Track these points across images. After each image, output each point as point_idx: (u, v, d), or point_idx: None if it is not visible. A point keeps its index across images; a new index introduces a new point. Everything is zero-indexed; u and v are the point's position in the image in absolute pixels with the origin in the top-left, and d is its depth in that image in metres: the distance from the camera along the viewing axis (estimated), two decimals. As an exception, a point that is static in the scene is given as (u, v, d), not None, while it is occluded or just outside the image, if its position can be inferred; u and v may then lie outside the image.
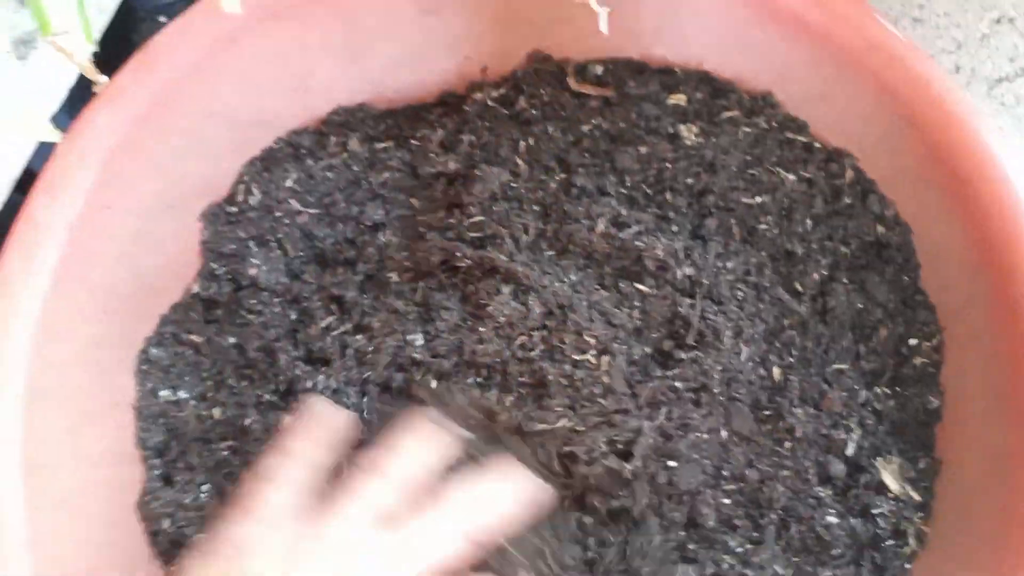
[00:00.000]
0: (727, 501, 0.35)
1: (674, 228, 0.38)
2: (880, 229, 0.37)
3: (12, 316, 0.34)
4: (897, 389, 0.36)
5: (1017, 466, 0.32)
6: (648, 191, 0.39)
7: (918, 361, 0.36)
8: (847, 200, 0.37)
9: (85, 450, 0.37)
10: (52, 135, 0.35)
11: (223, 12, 0.38)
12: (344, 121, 0.44)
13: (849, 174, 0.38)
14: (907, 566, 0.33)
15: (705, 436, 0.35)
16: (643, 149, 0.39)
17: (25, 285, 0.35)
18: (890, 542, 0.33)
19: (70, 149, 0.36)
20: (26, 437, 0.35)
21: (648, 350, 0.36)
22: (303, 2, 0.39)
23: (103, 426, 0.38)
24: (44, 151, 0.37)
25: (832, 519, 0.34)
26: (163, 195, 0.39)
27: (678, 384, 0.34)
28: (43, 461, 0.35)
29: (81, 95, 0.39)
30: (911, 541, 0.33)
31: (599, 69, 0.43)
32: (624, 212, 0.38)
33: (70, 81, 0.36)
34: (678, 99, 0.40)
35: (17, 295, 0.35)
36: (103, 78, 0.33)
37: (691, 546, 0.34)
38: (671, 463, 0.34)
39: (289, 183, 0.42)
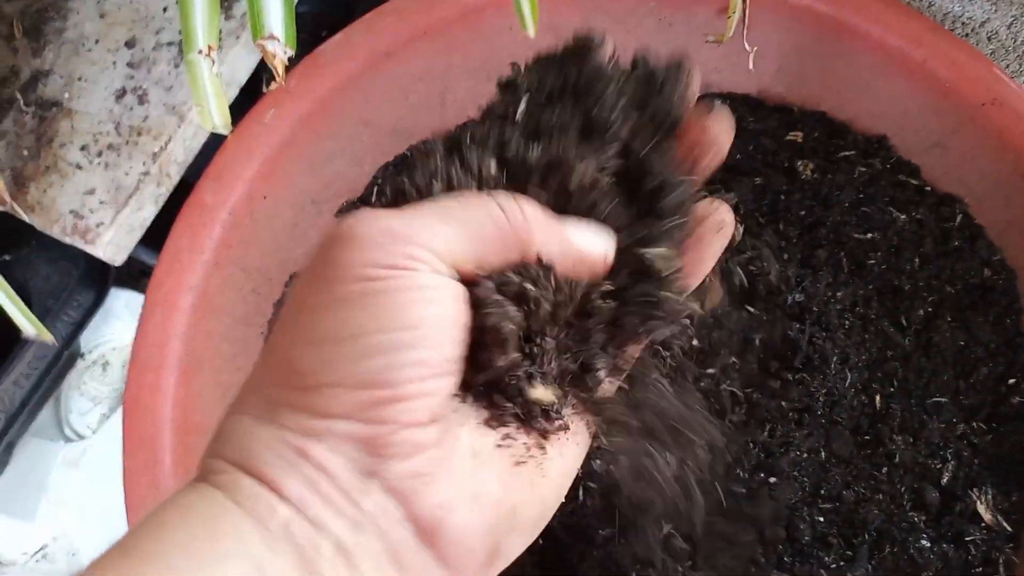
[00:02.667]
0: (822, 519, 0.36)
1: (785, 256, 0.40)
2: (986, 272, 0.39)
3: (177, 289, 0.38)
4: (994, 425, 0.37)
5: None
6: (761, 220, 0.41)
7: (1016, 400, 0.37)
8: (955, 243, 0.39)
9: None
10: (226, 128, 0.39)
11: (383, 28, 0.41)
12: (472, 134, 0.47)
13: (959, 218, 0.39)
14: (998, 595, 0.35)
15: (805, 455, 0.37)
16: (758, 180, 0.42)
17: (191, 260, 0.39)
18: (979, 569, 0.35)
19: (239, 142, 0.40)
20: (179, 400, 0.38)
21: (755, 368, 0.38)
22: (451, 25, 0.42)
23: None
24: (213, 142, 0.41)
25: (925, 543, 0.35)
26: (311, 191, 0.43)
27: (783, 404, 0.36)
28: (193, 424, 0.38)
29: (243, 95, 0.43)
30: (1001, 570, 0.35)
31: (717, 103, 0.45)
32: (738, 238, 0.40)
33: (243, 80, 0.40)
34: (795, 136, 0.42)
35: (184, 269, 0.38)
36: (283, 81, 0.36)
37: (786, 559, 0.36)
38: (771, 479, 0.36)
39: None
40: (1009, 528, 0.36)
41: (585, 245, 0.25)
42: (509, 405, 0.23)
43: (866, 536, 0.36)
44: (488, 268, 0.23)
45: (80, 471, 0.58)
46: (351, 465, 0.21)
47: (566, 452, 0.24)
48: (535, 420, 0.23)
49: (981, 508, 0.36)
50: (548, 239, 0.24)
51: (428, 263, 0.22)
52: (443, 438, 0.22)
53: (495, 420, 0.23)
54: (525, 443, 0.23)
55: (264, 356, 0.23)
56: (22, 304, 0.28)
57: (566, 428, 0.24)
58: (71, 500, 0.58)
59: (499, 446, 0.23)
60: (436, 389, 0.22)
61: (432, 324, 0.21)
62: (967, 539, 0.36)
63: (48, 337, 0.30)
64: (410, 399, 0.21)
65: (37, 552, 0.57)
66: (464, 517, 0.22)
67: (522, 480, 0.23)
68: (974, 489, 0.36)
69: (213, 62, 0.33)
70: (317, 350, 0.21)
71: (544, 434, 0.24)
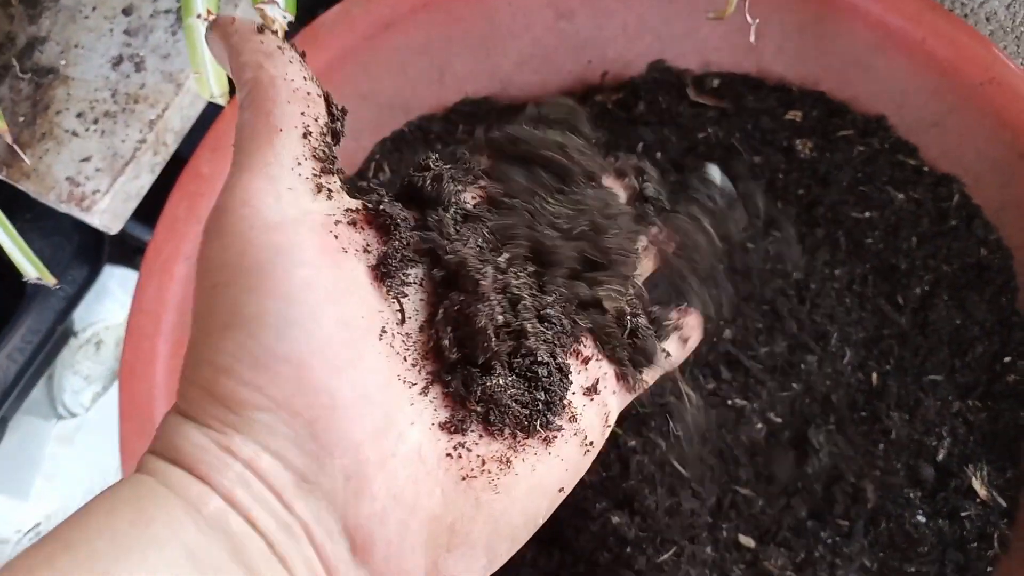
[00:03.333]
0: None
1: (779, 234, 0.40)
2: (982, 252, 0.39)
3: (175, 257, 0.38)
4: (989, 403, 0.37)
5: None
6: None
7: (1011, 378, 0.37)
8: (952, 222, 0.39)
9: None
10: (223, 98, 0.39)
11: (383, 0, 0.41)
12: (471, 111, 0.47)
13: (956, 198, 0.40)
14: (989, 569, 0.35)
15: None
16: (757, 159, 0.42)
17: (187, 230, 0.38)
18: (974, 544, 0.35)
19: (236, 111, 0.40)
20: (173, 368, 0.38)
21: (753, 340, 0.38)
22: (454, -2, 0.42)
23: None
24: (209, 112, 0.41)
25: (920, 518, 0.35)
26: (308, 164, 0.43)
27: (780, 378, 0.36)
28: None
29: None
30: (995, 545, 0.35)
31: (715, 82, 0.45)
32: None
33: (241, 52, 0.40)
34: (794, 115, 0.42)
35: (180, 238, 0.38)
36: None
37: (784, 533, 0.36)
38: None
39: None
40: (1004, 503, 0.36)
41: None
42: (478, 405, 0.21)
43: (862, 511, 0.36)
44: None
45: (74, 448, 0.57)
46: (281, 464, 0.19)
47: (543, 468, 0.22)
48: (507, 422, 0.21)
49: (976, 484, 0.36)
50: None
51: (265, 226, 0.20)
52: (384, 433, 0.20)
53: (453, 424, 0.21)
54: (480, 455, 0.21)
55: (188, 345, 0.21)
56: (24, 245, 0.28)
57: (549, 440, 0.22)
58: (65, 478, 0.57)
59: (448, 455, 0.21)
60: (359, 360, 0.20)
61: (299, 292, 0.20)
62: (962, 514, 0.36)
63: (50, 279, 0.29)
64: (326, 378, 0.19)
65: (31, 530, 0.57)
66: (396, 532, 0.20)
67: (466, 496, 0.21)
68: (969, 465, 0.37)
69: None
70: (211, 338, 0.20)
71: (515, 441, 0.22)
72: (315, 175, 0.22)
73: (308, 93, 0.23)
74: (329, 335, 0.20)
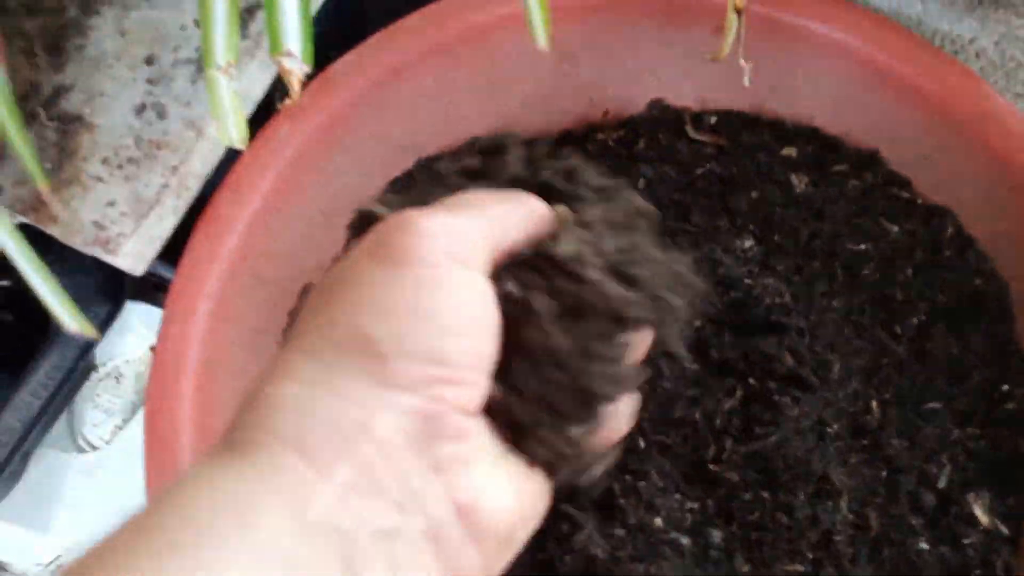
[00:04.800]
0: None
1: (779, 267, 0.41)
2: (978, 282, 0.40)
3: (197, 295, 0.39)
4: (988, 431, 0.38)
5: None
6: (757, 232, 0.43)
7: (1010, 406, 0.38)
8: (947, 253, 0.40)
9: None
10: (243, 143, 0.40)
11: (394, 46, 0.43)
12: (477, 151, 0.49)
13: (950, 230, 0.41)
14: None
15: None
16: (754, 194, 0.43)
17: (209, 270, 0.40)
18: (978, 572, 0.36)
19: (254, 156, 0.41)
20: (197, 404, 0.39)
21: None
22: (460, 42, 0.44)
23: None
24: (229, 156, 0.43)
25: (924, 545, 0.36)
26: (323, 204, 0.44)
27: (790, 413, 0.37)
28: (213, 429, 0.39)
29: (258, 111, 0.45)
30: (999, 572, 0.36)
31: (713, 119, 0.47)
32: (736, 245, 0.41)
33: (258, 96, 0.42)
34: (789, 151, 0.44)
35: (202, 278, 0.40)
36: (298, 97, 0.38)
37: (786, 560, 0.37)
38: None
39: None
40: (1006, 531, 0.36)
41: None
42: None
43: (866, 539, 0.37)
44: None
45: (94, 481, 0.59)
46: (409, 442, 0.21)
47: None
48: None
49: (978, 511, 0.37)
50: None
51: (478, 263, 0.24)
52: (481, 432, 0.23)
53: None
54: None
55: (313, 325, 0.23)
56: (66, 298, 0.29)
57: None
58: (85, 510, 0.59)
59: (506, 452, 0.25)
60: (482, 382, 0.23)
61: (483, 320, 0.23)
62: (965, 541, 0.36)
63: (91, 331, 0.31)
64: (464, 384, 0.22)
65: (51, 562, 0.58)
66: (496, 500, 0.23)
67: (533, 480, 0.25)
68: (970, 493, 0.37)
69: (232, 78, 0.34)
70: (389, 321, 0.22)
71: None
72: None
73: None
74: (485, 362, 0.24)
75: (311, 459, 0.20)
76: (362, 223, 0.28)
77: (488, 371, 0.24)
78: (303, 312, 0.25)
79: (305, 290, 0.45)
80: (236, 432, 0.21)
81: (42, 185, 0.35)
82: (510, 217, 0.26)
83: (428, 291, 0.22)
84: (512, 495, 0.24)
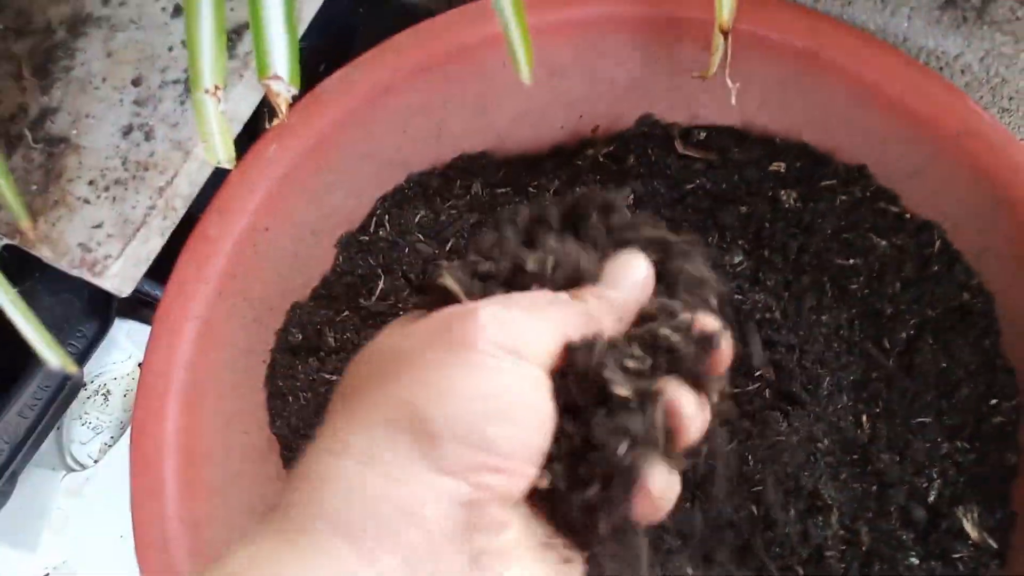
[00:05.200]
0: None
1: (769, 282, 0.41)
2: (965, 296, 0.40)
3: (184, 318, 0.39)
4: (976, 444, 0.38)
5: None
6: (747, 247, 0.43)
7: (997, 420, 0.38)
8: (935, 267, 0.41)
9: (233, 444, 0.41)
10: (230, 163, 0.40)
11: (382, 65, 0.43)
12: (467, 167, 0.49)
13: (937, 244, 0.41)
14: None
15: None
16: (744, 209, 0.43)
17: (196, 290, 0.40)
18: (972, 587, 0.36)
19: (241, 175, 0.41)
20: (184, 428, 0.39)
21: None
22: (449, 60, 0.44)
23: (247, 423, 0.42)
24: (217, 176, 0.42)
25: (914, 560, 0.36)
26: (312, 223, 0.44)
27: (779, 428, 0.37)
28: (199, 452, 0.39)
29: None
30: (990, 586, 0.36)
31: (702, 135, 0.47)
32: (726, 260, 0.41)
33: (245, 116, 0.42)
34: (778, 166, 0.44)
35: (189, 298, 0.40)
36: (284, 118, 0.38)
37: (777, 576, 0.37)
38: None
39: (417, 219, 0.47)
40: (995, 545, 0.37)
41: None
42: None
43: (857, 553, 0.37)
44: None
45: (82, 500, 0.58)
46: (455, 530, 0.21)
47: None
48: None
49: (967, 525, 0.37)
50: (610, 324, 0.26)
51: (536, 357, 0.24)
52: (523, 524, 0.23)
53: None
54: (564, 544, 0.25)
55: (367, 398, 0.23)
56: (46, 334, 0.29)
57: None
58: (73, 529, 0.58)
59: (544, 544, 0.24)
60: (529, 472, 0.23)
61: (537, 411, 0.23)
62: (954, 556, 0.37)
63: (73, 368, 0.31)
64: (511, 474, 0.22)
65: (38, 582, 0.58)
66: None
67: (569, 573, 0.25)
68: (959, 507, 0.37)
69: (219, 100, 0.34)
70: (444, 403, 0.22)
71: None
72: None
73: None
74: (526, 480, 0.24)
75: (358, 545, 0.20)
76: (430, 290, 0.28)
77: (537, 462, 0.23)
78: (349, 378, 0.25)
79: (293, 308, 0.45)
80: (284, 510, 0.22)
81: (25, 224, 0.35)
82: (568, 321, 0.26)
83: (486, 378, 0.23)
84: None
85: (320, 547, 0.20)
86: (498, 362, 0.23)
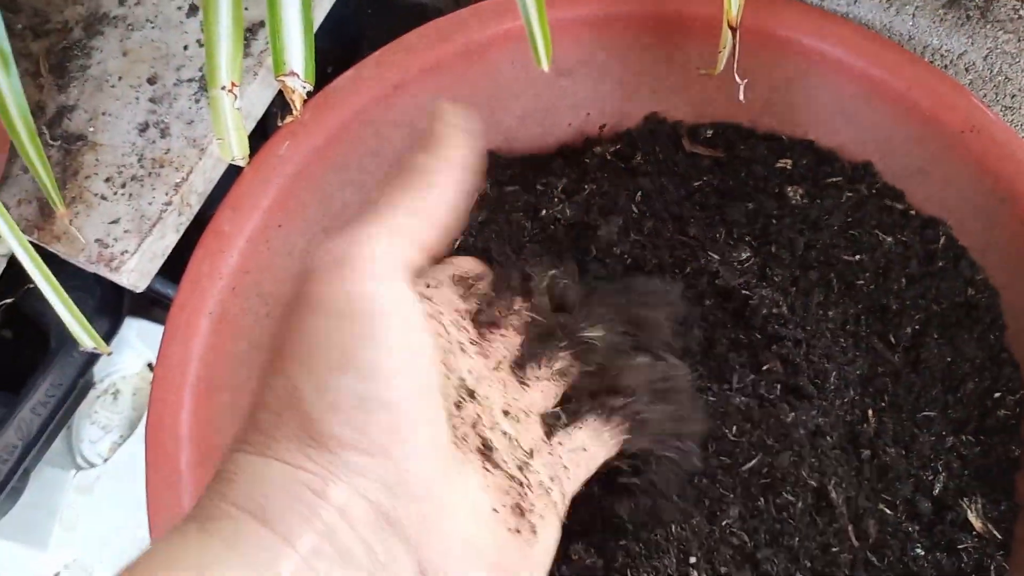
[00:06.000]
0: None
1: (776, 278, 0.42)
2: (970, 291, 0.40)
3: (199, 312, 0.40)
4: (981, 437, 0.39)
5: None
6: (754, 243, 0.43)
7: (1002, 413, 0.39)
8: (940, 263, 0.41)
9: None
10: (244, 160, 0.41)
11: (393, 64, 0.44)
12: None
13: (943, 240, 0.41)
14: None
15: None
16: (751, 205, 0.44)
17: (210, 286, 0.40)
18: (973, 576, 0.36)
19: (255, 172, 0.42)
20: (199, 420, 0.39)
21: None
22: (458, 59, 0.44)
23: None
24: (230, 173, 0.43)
25: (919, 551, 0.37)
26: (322, 220, 0.45)
27: (787, 421, 0.38)
28: (215, 445, 0.40)
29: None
30: (995, 576, 0.36)
31: (709, 132, 0.47)
32: (733, 256, 0.42)
33: (259, 114, 0.42)
34: (785, 163, 0.44)
35: (203, 293, 0.40)
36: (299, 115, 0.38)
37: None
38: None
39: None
40: (999, 536, 0.37)
41: None
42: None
43: (864, 546, 0.37)
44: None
45: (92, 498, 0.59)
46: (371, 509, 0.20)
47: (546, 534, 0.25)
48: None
49: (972, 517, 0.37)
50: None
51: (389, 283, 0.22)
52: (450, 487, 0.22)
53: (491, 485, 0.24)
54: (523, 510, 0.25)
55: (262, 389, 0.23)
56: (80, 316, 0.30)
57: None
58: (84, 527, 0.59)
59: (495, 511, 0.23)
60: (430, 415, 0.22)
61: (414, 348, 0.22)
62: (959, 547, 0.37)
63: (105, 349, 0.31)
64: (408, 426, 0.21)
65: (49, 579, 0.58)
66: (465, 569, 0.22)
67: (515, 545, 0.24)
68: (964, 499, 0.38)
69: (235, 97, 0.35)
70: (318, 377, 0.21)
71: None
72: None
73: None
74: (428, 391, 0.22)
75: (273, 527, 0.20)
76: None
77: (435, 395, 0.22)
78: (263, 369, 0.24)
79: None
80: (202, 503, 0.21)
81: (61, 210, 0.36)
82: (418, 220, 0.25)
83: (345, 335, 0.21)
84: (487, 564, 0.22)
85: (239, 531, 0.20)
86: (356, 307, 0.21)
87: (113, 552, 0.59)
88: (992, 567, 0.36)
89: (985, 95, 0.43)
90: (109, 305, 0.54)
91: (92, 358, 0.53)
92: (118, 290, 0.54)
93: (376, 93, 0.44)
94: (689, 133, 0.47)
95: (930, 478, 0.38)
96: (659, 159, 0.46)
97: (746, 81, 0.36)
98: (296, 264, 0.44)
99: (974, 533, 0.37)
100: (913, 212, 0.42)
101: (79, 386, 0.53)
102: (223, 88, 0.34)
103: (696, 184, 0.45)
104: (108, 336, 0.54)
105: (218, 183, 0.42)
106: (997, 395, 0.39)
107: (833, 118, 0.44)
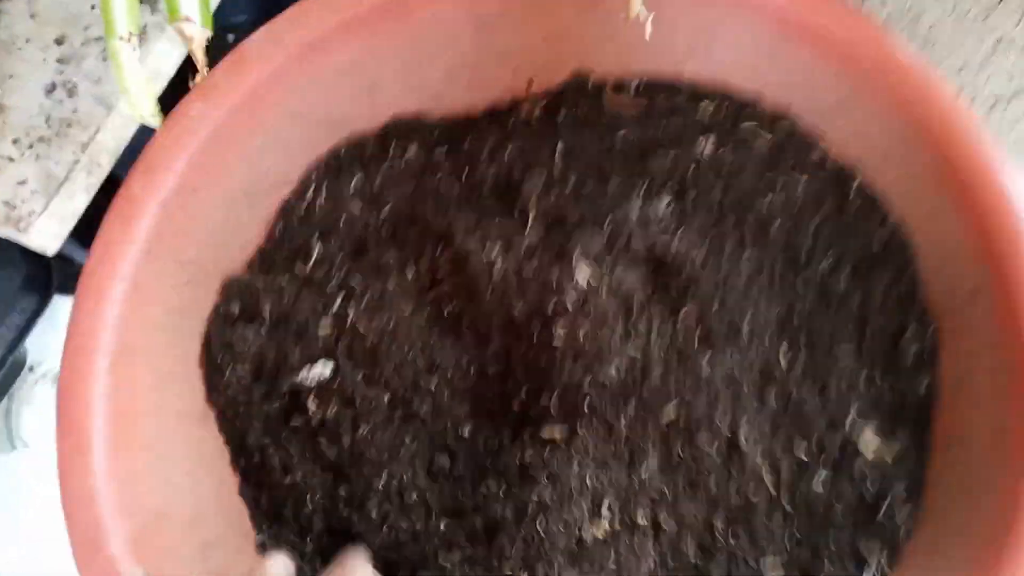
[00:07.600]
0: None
1: (694, 225, 0.42)
2: (883, 231, 0.41)
3: (110, 278, 0.39)
4: (893, 373, 0.39)
5: (1015, 443, 0.36)
6: (673, 194, 0.43)
7: (914, 348, 0.39)
8: (854, 205, 0.41)
9: (167, 406, 0.41)
10: (155, 121, 0.40)
11: (308, 20, 0.43)
12: (402, 127, 0.49)
13: (856, 182, 0.42)
14: (905, 536, 0.37)
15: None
16: (671, 156, 0.44)
17: (122, 251, 0.39)
18: (878, 503, 0.37)
19: (167, 135, 0.41)
20: (113, 388, 0.39)
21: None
22: (379, 16, 0.44)
23: (181, 387, 0.42)
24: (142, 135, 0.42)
25: (822, 488, 0.37)
26: (244, 185, 0.44)
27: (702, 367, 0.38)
28: (128, 410, 0.39)
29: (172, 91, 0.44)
30: (897, 507, 0.37)
31: (634, 85, 0.47)
32: (652, 207, 0.42)
33: (170, 72, 0.42)
34: (704, 113, 0.44)
35: (115, 259, 0.39)
36: (205, 69, 0.38)
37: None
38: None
39: (352, 183, 0.47)
40: (905, 467, 0.37)
41: None
42: None
43: (776, 482, 0.37)
44: None
45: (17, 479, 0.58)
46: None
47: None
48: None
49: (881, 449, 0.38)
50: None
51: None
52: None
53: None
54: None
55: None
56: None
57: None
58: (7, 509, 0.58)
59: None
60: None
61: None
62: (868, 479, 0.37)
63: None
64: None
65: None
66: None
67: None
68: (878, 436, 0.38)
69: (135, 48, 0.34)
70: None
71: None
72: None
73: None
74: None
75: None
76: None
77: None
78: None
79: (228, 276, 0.45)
80: None
81: None
82: None
83: None
84: None
85: None
86: None
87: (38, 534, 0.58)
88: (898, 498, 0.37)
89: (903, 29, 0.44)
90: (36, 281, 0.53)
91: (20, 334, 0.52)
92: (46, 267, 0.53)
93: (293, 51, 0.43)
94: (615, 88, 0.47)
95: (842, 414, 0.38)
96: (583, 114, 0.46)
97: (652, 15, 0.35)
98: (219, 232, 0.44)
99: (879, 462, 0.37)
100: (829, 156, 0.43)
101: (7, 363, 0.52)
102: (120, 38, 0.34)
103: (618, 136, 0.45)
104: (36, 313, 0.53)
105: (134, 148, 0.41)
106: (909, 333, 0.39)
107: (754, 63, 0.43)
